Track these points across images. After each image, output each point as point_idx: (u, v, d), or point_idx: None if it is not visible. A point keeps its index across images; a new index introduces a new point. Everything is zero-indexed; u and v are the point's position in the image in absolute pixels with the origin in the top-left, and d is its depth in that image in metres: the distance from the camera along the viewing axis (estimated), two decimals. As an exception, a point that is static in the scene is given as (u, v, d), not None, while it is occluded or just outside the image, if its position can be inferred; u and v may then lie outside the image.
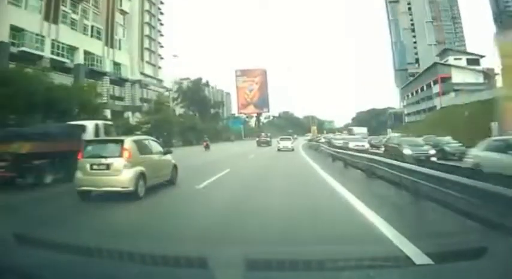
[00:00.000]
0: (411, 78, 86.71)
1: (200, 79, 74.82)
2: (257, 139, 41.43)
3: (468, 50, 73.86)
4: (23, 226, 4.57)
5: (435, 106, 57.95)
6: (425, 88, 64.91)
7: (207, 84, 74.60)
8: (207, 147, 29.94)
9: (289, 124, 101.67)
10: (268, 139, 39.90)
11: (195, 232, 4.42)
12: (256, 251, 3.17)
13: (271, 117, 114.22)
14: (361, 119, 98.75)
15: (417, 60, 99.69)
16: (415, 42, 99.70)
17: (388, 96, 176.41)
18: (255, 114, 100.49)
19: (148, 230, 4.68)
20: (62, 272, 2.31)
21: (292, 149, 26.56)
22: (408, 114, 74.55)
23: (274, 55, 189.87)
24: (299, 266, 2.53)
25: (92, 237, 3.71)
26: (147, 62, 55.56)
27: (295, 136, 52.54)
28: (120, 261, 2.65)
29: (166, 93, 59.23)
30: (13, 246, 2.93)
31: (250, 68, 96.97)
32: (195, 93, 70.60)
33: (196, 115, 68.34)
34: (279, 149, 26.55)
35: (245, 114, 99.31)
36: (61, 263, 2.53)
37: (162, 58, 61.17)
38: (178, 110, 64.37)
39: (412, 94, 73.32)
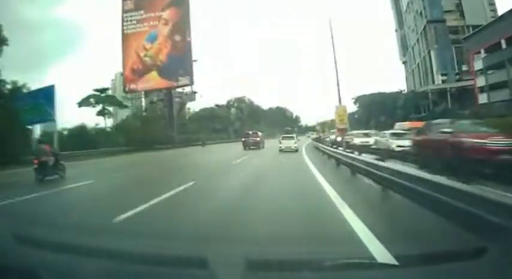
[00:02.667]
0: (452, 36, 56.61)
1: None
2: (243, 139, 32.42)
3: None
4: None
5: None
6: None
7: None
8: (41, 171, 11.78)
9: (250, 119, 69.50)
10: (258, 139, 32.03)
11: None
12: (256, 251, 3.27)
13: (205, 106, 67.77)
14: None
15: (459, 6, 60.10)
16: (450, -20, 62.58)
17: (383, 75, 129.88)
18: (162, 90, 49.10)
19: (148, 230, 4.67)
20: (62, 272, 2.42)
21: (296, 150, 24.44)
22: (490, 88, 40.14)
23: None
24: (299, 266, 2.59)
25: (92, 237, 3.71)
26: None
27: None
28: (120, 261, 2.73)
29: None
30: (13, 246, 2.98)
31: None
32: None
33: None
34: (280, 150, 24.66)
35: (138, 90, 48.18)
36: (61, 263, 2.63)
37: None
38: None
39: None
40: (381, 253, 3.24)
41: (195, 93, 52.28)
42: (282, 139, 26.84)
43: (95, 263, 2.62)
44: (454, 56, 57.02)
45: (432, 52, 57.18)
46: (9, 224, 5.07)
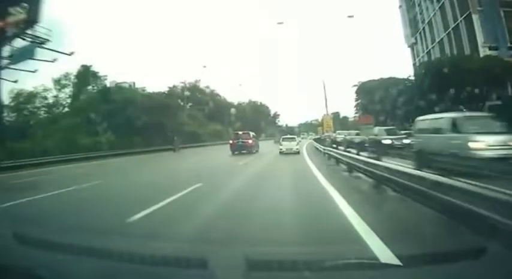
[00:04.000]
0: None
1: None
2: (231, 141, 27.20)
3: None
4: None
5: None
6: None
7: None
8: None
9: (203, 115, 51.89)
10: (250, 141, 26.71)
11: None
12: (257, 252, 3.25)
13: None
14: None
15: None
16: None
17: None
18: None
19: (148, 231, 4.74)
20: (62, 272, 2.41)
21: (298, 152, 23.71)
22: None
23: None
24: (299, 267, 2.58)
25: (92, 238, 3.68)
26: None
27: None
28: (120, 262, 2.71)
29: None
30: (13, 246, 2.96)
31: None
32: None
33: None
34: (281, 152, 24.03)
35: None
36: (61, 263, 2.60)
37: None
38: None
39: None
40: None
41: (44, 41, 23.63)
42: (283, 140, 26.41)
43: (95, 263, 2.61)
44: (505, 24, 38.27)
45: (474, 18, 38.41)
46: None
